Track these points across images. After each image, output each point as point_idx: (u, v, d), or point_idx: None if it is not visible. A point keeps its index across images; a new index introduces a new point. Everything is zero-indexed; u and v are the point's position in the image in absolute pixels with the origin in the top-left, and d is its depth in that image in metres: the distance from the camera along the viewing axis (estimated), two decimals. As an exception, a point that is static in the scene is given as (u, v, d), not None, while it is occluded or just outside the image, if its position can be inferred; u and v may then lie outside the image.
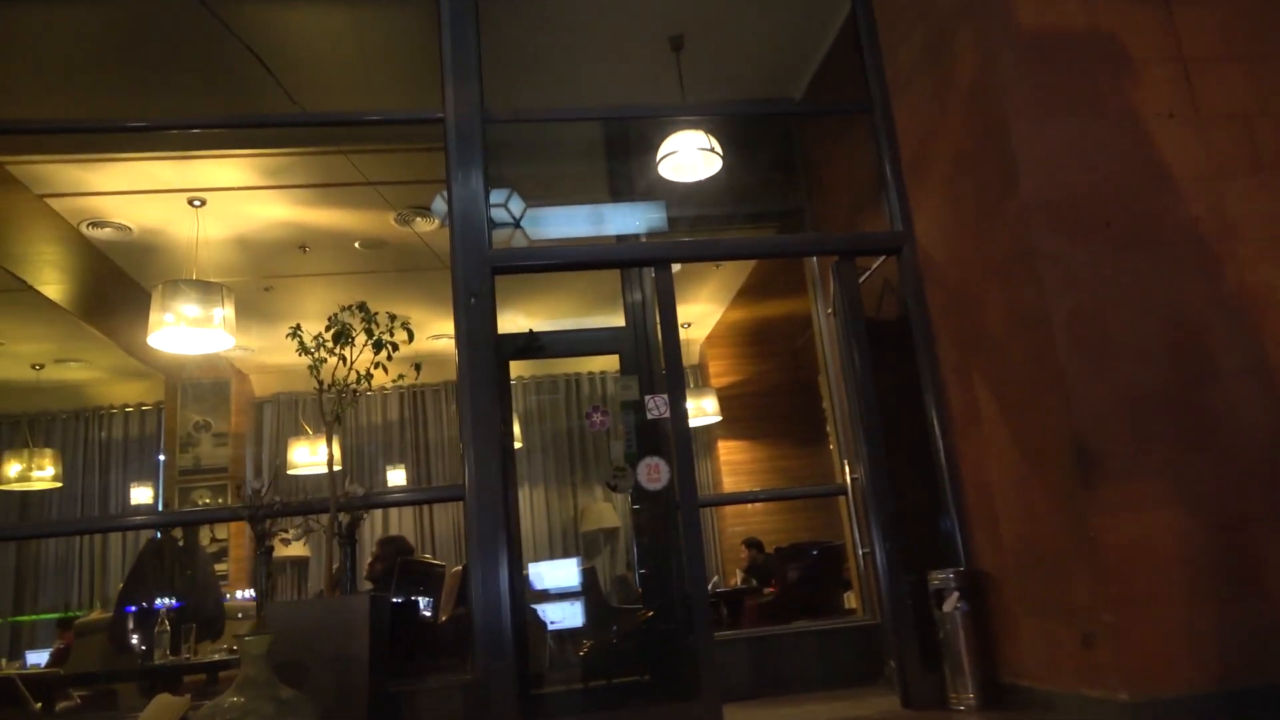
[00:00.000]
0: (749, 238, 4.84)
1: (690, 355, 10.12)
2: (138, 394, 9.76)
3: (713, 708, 3.89)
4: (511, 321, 7.00)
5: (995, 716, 3.65)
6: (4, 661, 7.97)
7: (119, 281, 6.61)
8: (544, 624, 5.01)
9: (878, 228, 4.70)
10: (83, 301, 7.11)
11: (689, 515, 4.11)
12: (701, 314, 9.01)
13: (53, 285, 6.68)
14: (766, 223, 6.21)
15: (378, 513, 9.77)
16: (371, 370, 3.49)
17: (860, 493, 4.62)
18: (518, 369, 10.08)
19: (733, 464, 9.31)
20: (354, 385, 3.47)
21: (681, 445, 4.16)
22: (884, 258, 4.70)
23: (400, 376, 3.59)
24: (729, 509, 9.26)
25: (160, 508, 8.79)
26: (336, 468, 8.38)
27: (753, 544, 8.26)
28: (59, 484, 8.47)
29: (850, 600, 6.21)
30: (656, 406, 4.13)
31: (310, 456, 8.44)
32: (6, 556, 9.35)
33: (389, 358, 3.51)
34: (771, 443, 9.18)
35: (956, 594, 3.97)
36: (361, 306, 3.52)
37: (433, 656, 4.28)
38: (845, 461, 5.27)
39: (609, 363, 10.00)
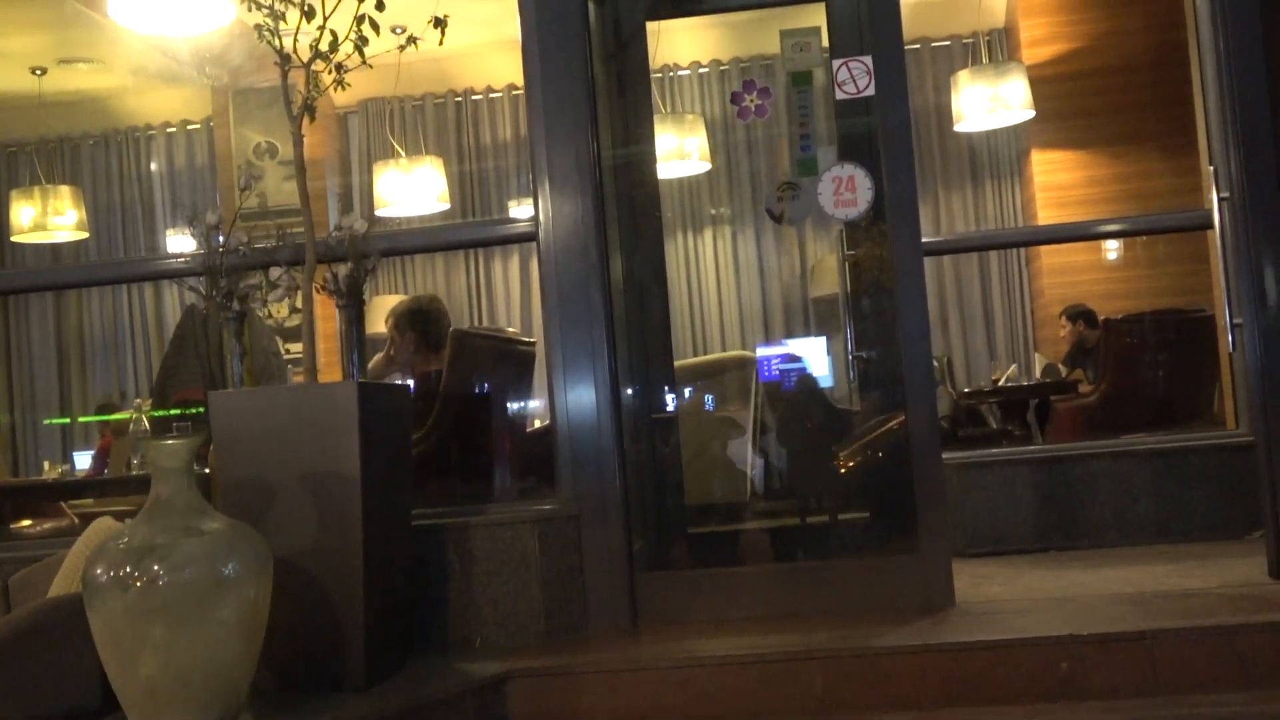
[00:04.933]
0: None
1: (991, 14, 9.22)
2: (180, 108, 10.17)
3: (935, 566, 3.62)
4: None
5: None
6: (47, 465, 9.06)
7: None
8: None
9: None
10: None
11: (905, 264, 3.73)
12: (1003, -60, 7.99)
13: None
14: None
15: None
16: (359, 30, 3.19)
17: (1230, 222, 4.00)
18: (703, 44, 9.53)
19: (1054, 187, 8.71)
20: (330, 54, 3.20)
21: (895, 144, 3.67)
22: None
23: (411, 40, 3.27)
24: (1048, 262, 8.72)
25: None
26: (386, 207, 8.39)
27: (1078, 315, 7.85)
28: (85, 234, 9.11)
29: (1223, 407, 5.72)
30: (852, 77, 3.62)
31: (405, 190, 8.50)
32: (48, 338, 10.40)
33: (379, 6, 3.18)
34: (1118, 153, 8.35)
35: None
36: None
37: (519, 477, 4.25)
38: (1214, 171, 4.57)
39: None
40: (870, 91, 3.65)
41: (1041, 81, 8.27)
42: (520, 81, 9.66)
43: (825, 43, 3.97)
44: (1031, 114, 8.12)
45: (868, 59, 3.64)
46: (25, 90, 9.20)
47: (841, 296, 5.00)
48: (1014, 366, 8.26)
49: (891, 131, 3.69)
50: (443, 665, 3.36)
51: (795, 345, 9.57)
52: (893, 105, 3.69)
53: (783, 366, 6.38)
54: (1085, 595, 3.66)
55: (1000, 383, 7.62)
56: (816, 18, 4.11)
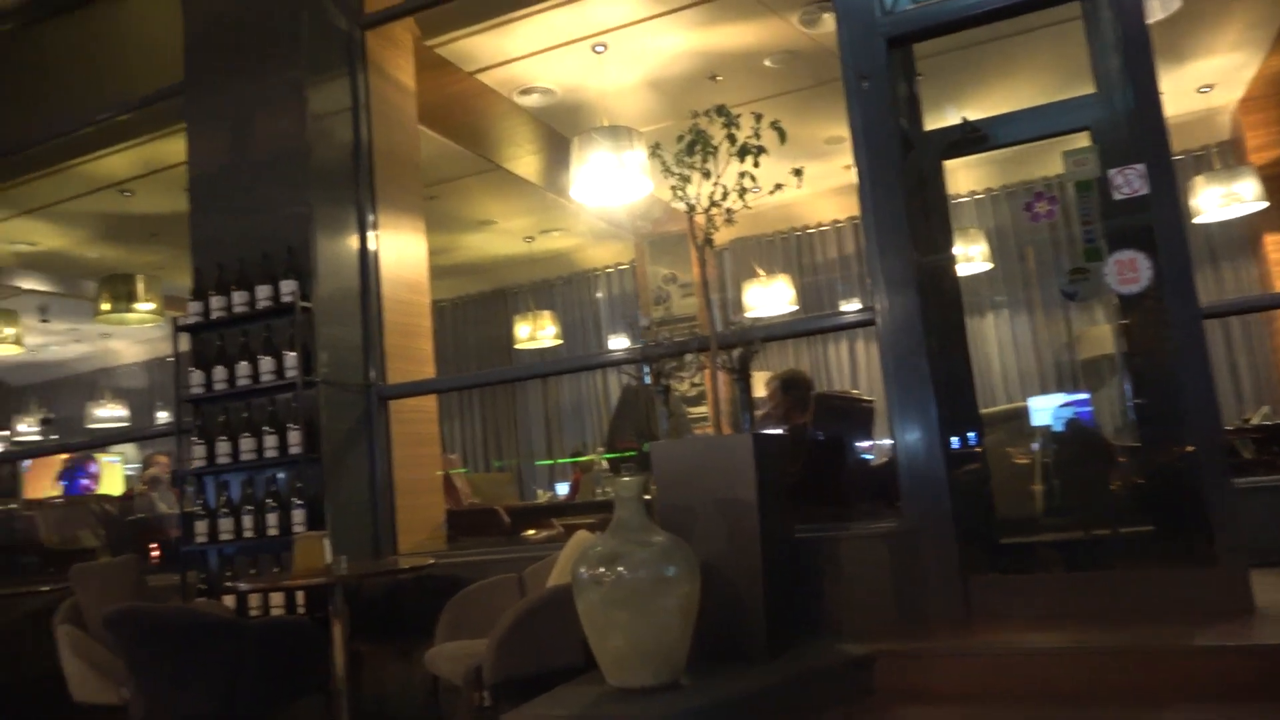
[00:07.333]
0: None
1: (1217, 128, 8.03)
2: (614, 255, 10.62)
3: (1235, 575, 2.95)
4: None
5: None
6: (540, 491, 9.55)
7: (562, 146, 7.02)
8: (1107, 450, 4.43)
9: None
10: (544, 172, 7.74)
11: (1186, 328, 3.12)
12: (1228, 69, 6.93)
13: (515, 160, 7.34)
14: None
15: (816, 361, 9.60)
16: (741, 184, 3.07)
17: None
18: (978, 178, 8.89)
19: (1287, 262, 7.32)
20: (723, 203, 3.09)
21: (1170, 233, 3.11)
22: None
23: (778, 187, 3.12)
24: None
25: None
26: (751, 311, 8.21)
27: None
28: (560, 341, 9.64)
29: None
30: (1127, 181, 3.11)
31: (764, 299, 8.40)
32: (539, 408, 11.10)
33: (755, 164, 3.06)
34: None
35: None
36: (720, 110, 3.09)
37: (869, 501, 3.92)
38: None
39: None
40: (1144, 191, 3.13)
41: (1270, 178, 7.07)
42: (840, 217, 9.53)
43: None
44: (1264, 204, 6.95)
45: (1140, 165, 3.13)
46: (520, 252, 9.95)
47: (1117, 355, 4.37)
48: (1266, 408, 6.98)
49: (1167, 220, 3.14)
50: (822, 645, 3.08)
51: (1068, 396, 8.67)
52: (1167, 199, 3.14)
53: (1061, 412, 5.73)
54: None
55: (1253, 422, 6.45)
56: (1081, 141, 3.63)
